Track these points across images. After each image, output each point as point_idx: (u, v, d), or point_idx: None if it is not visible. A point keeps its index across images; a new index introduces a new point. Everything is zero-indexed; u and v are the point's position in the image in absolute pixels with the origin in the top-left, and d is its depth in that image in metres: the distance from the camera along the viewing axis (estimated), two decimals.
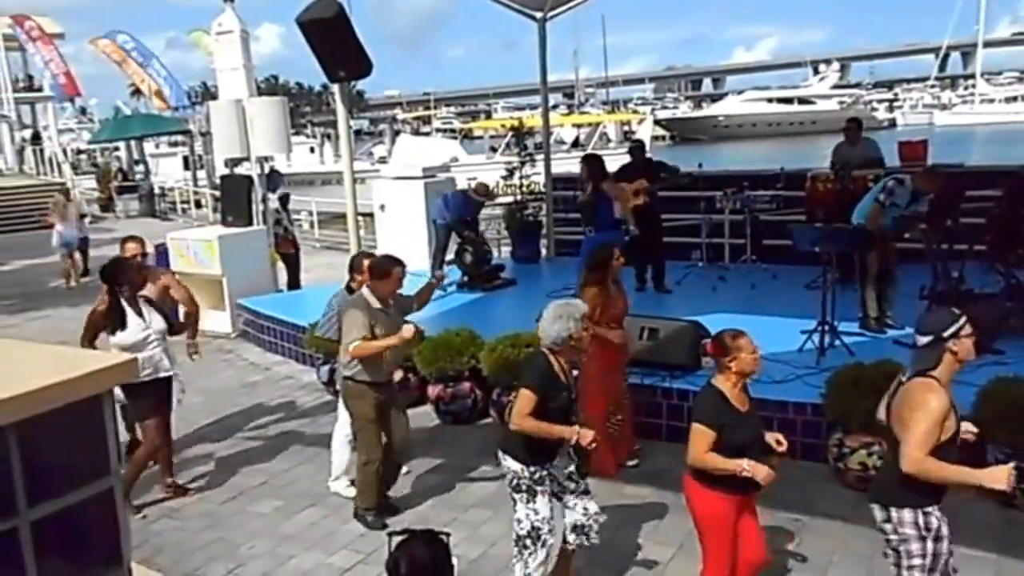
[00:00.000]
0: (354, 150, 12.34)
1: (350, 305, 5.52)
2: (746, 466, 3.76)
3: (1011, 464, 3.46)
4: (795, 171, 10.93)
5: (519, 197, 13.27)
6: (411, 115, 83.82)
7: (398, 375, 5.86)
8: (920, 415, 3.41)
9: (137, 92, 30.39)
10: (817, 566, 4.93)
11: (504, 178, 14.21)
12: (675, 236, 11.15)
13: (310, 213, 20.99)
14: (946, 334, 3.50)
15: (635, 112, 58.27)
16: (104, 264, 6.17)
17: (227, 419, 7.81)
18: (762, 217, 10.59)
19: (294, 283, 11.83)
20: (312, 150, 38.19)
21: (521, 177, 13.24)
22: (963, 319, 3.54)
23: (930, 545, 3.54)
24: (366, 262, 6.07)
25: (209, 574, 5.17)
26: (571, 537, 4.48)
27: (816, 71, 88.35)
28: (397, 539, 2.83)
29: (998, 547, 4.95)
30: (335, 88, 9.25)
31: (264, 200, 11.30)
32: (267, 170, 11.63)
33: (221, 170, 12.05)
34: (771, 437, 4.06)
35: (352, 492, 5.92)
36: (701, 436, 3.86)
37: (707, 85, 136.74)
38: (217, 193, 15.34)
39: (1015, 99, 75.90)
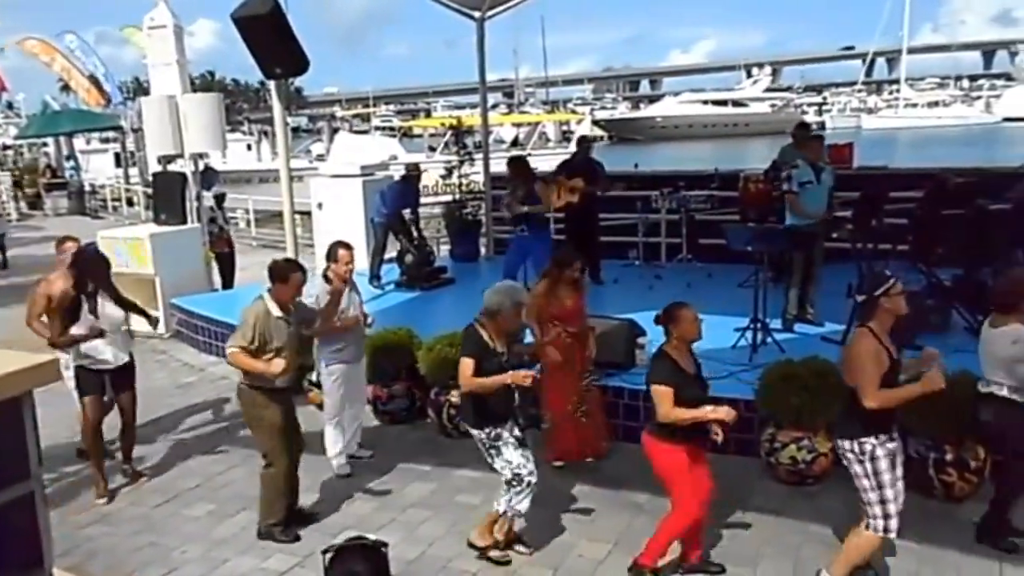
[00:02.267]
0: (292, 148, 12.21)
1: (249, 308, 5.37)
2: (709, 410, 4.45)
3: (935, 369, 4.30)
4: (729, 172, 11.17)
5: (458, 196, 13.27)
6: (350, 113, 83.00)
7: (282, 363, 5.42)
8: (860, 361, 4.27)
9: (67, 87, 29.44)
10: (748, 558, 5.05)
11: (443, 177, 14.21)
12: (612, 235, 11.30)
13: (246, 211, 20.66)
14: (877, 292, 4.34)
15: (574, 112, 58.72)
16: (76, 254, 6.34)
17: (160, 421, 7.66)
18: (697, 217, 10.79)
19: (229, 282, 11.64)
20: (249, 147, 37.53)
21: (460, 176, 13.25)
22: (893, 280, 4.36)
23: (868, 466, 4.34)
24: (341, 250, 6.12)
25: None
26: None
27: (749, 74, 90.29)
28: (338, 556, 2.70)
29: (919, 536, 5.14)
30: (272, 85, 9.14)
31: (198, 198, 11.09)
32: (202, 167, 11.42)
33: (154, 167, 11.78)
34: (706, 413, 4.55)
35: (347, 470, 6.35)
36: (663, 395, 4.49)
37: (645, 86, 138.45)
38: (150, 191, 15.00)
39: (936, 104, 78.72)
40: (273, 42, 8.20)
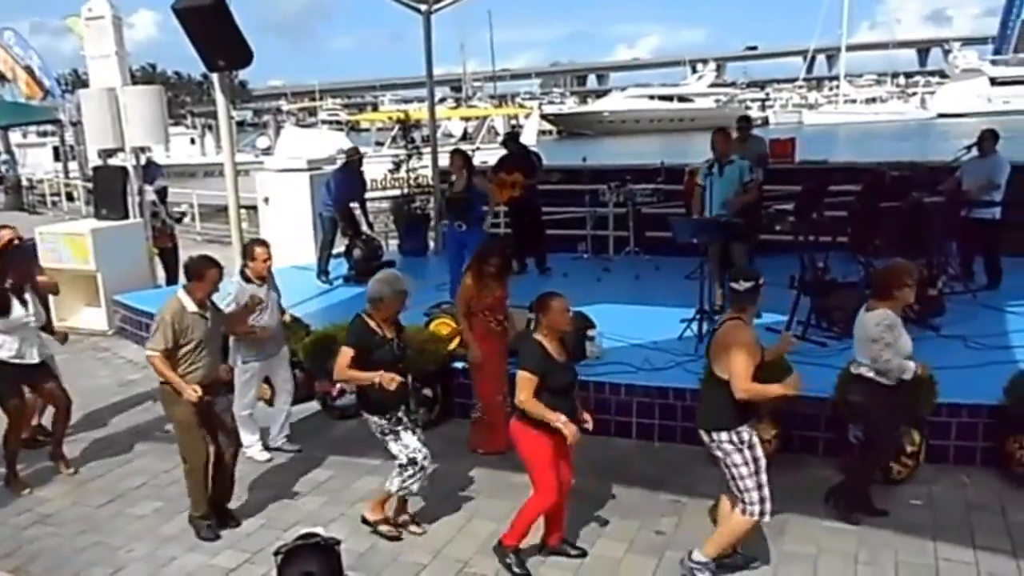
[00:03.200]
0: (237, 141, 12.04)
1: (164, 306, 5.34)
2: (562, 422, 4.56)
3: (795, 373, 4.63)
4: (674, 166, 11.33)
5: (406, 190, 13.23)
6: (296, 106, 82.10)
7: (196, 393, 5.33)
8: (737, 351, 4.37)
9: (2, 78, 28.52)
10: (693, 541, 5.12)
11: (391, 171, 14.14)
12: (561, 229, 11.39)
13: (191, 206, 20.32)
14: (760, 282, 4.54)
15: (522, 106, 58.73)
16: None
17: (104, 420, 7.52)
18: (644, 210, 10.92)
19: (173, 278, 11.44)
20: (193, 141, 36.89)
21: (408, 170, 13.21)
22: (762, 278, 4.56)
23: (747, 453, 4.48)
24: (258, 248, 6.18)
25: None
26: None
27: (694, 70, 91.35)
28: (290, 556, 2.63)
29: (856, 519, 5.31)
30: (215, 78, 9.01)
31: (140, 192, 10.88)
32: (143, 161, 11.21)
33: (94, 161, 11.52)
34: (582, 414, 4.81)
35: (265, 456, 6.45)
36: (526, 381, 4.62)
37: (592, 81, 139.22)
38: (90, 185, 14.67)
39: (874, 100, 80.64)
40: (216, 34, 8.10)
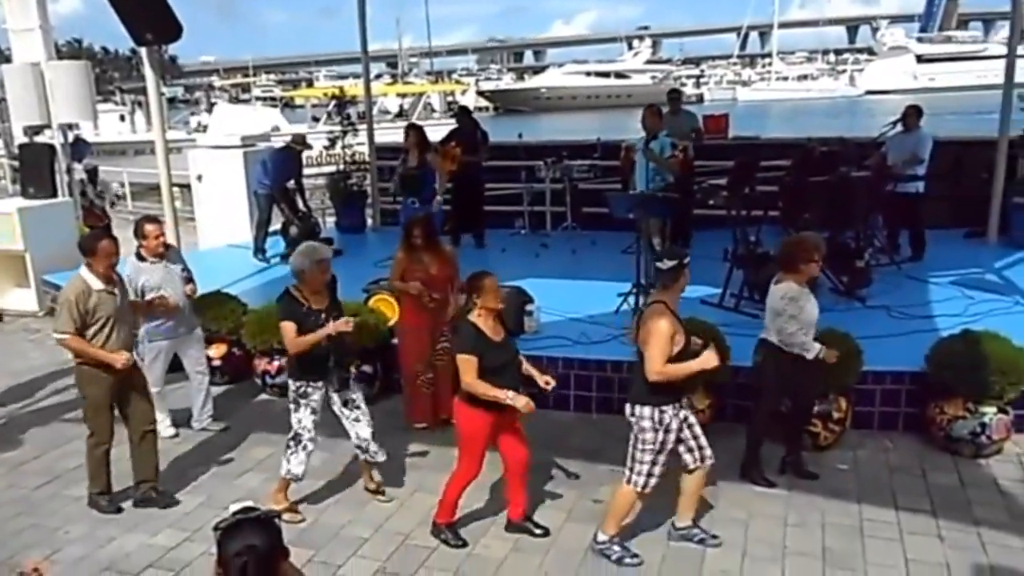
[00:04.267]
0: (168, 118, 11.78)
1: (67, 286, 5.26)
2: (510, 396, 4.56)
3: (711, 347, 4.59)
4: (610, 141, 11.43)
5: (342, 167, 13.10)
6: (229, 82, 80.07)
7: (124, 356, 5.35)
8: (654, 338, 4.41)
9: None
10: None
11: (327, 147, 13.97)
12: (499, 205, 11.43)
13: (122, 184, 19.79)
14: (685, 261, 4.54)
15: (459, 82, 58.40)
16: None
17: (37, 401, 7.38)
18: (581, 186, 11.02)
19: None
20: (123, 118, 35.85)
21: (344, 147, 13.06)
22: (686, 258, 4.58)
23: (660, 435, 4.55)
24: (148, 226, 6.08)
25: (24, 562, 4.91)
26: (359, 453, 5.40)
27: (631, 46, 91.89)
28: (230, 531, 2.59)
29: (787, 483, 5.52)
30: (144, 52, 8.79)
31: (69, 171, 10.59)
32: (71, 139, 10.90)
33: (20, 139, 11.16)
34: (541, 379, 4.87)
35: (171, 431, 6.47)
36: (466, 364, 4.62)
37: (529, 57, 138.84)
38: (16, 163, 14.21)
39: (806, 77, 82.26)
40: (142, 6, 7.91)
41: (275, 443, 6.39)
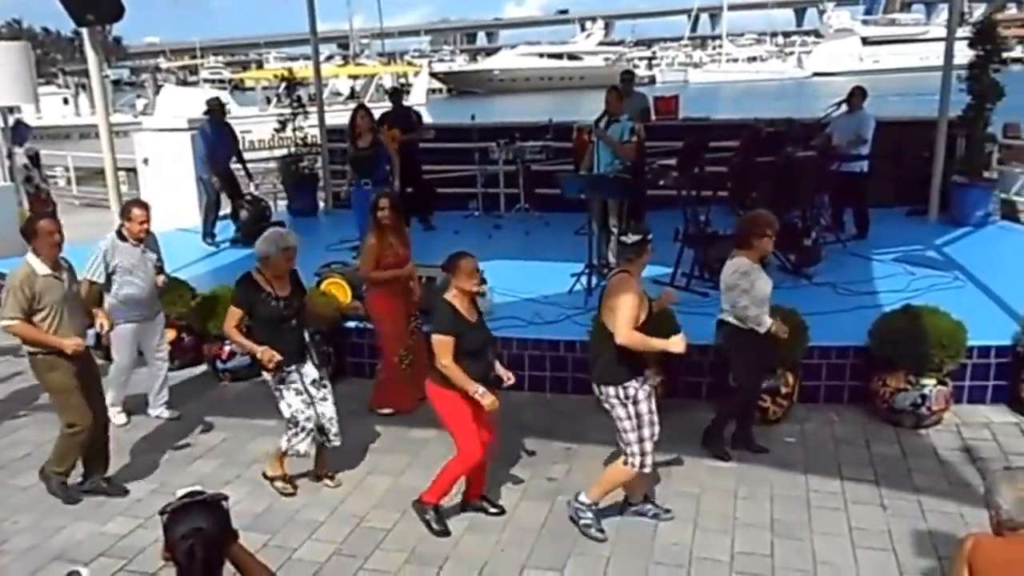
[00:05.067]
0: (113, 101, 11.52)
1: (13, 272, 5.16)
2: (479, 393, 4.59)
3: (680, 333, 4.72)
4: (563, 123, 11.46)
5: (293, 150, 12.95)
6: (176, 64, 78.63)
7: (75, 341, 5.22)
8: (622, 303, 4.49)
9: None
10: (583, 487, 5.36)
11: (277, 130, 13.78)
12: (452, 187, 11.41)
13: (66, 169, 19.33)
14: (650, 237, 4.68)
15: (411, 64, 57.87)
16: None
17: None
18: (534, 167, 11.04)
19: None
20: (66, 101, 34.99)
21: (295, 129, 12.90)
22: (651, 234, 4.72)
23: (630, 408, 4.61)
24: (136, 210, 6.06)
25: None
26: (316, 436, 5.32)
27: (583, 28, 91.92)
28: (176, 514, 2.56)
29: (737, 457, 5.64)
30: (86, 33, 8.57)
31: (10, 155, 10.32)
32: (12, 122, 10.61)
33: None
34: (502, 372, 4.88)
35: (123, 419, 6.40)
36: (442, 344, 4.60)
37: (482, 39, 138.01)
38: None
39: (755, 59, 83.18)
40: None
41: (228, 427, 6.37)
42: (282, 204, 13.12)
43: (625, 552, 4.69)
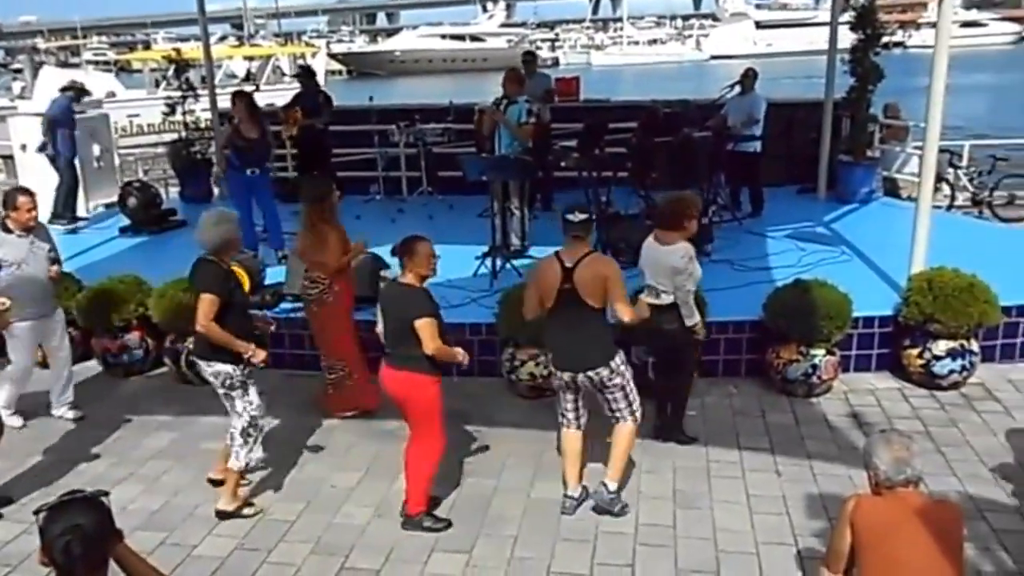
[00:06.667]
0: None
1: None
2: (461, 354, 4.66)
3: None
4: (464, 105, 11.38)
5: (184, 134, 12.49)
6: (55, 45, 74.58)
7: None
8: (616, 281, 4.56)
9: None
10: (493, 469, 5.40)
11: (166, 114, 13.26)
12: (352, 171, 11.20)
13: None
14: (595, 216, 4.71)
15: (309, 45, 56.52)
16: None
17: None
18: (435, 150, 10.93)
19: None
20: None
21: (185, 112, 12.43)
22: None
23: (626, 372, 4.71)
24: (21, 198, 5.73)
25: None
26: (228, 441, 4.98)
27: (485, 9, 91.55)
28: (53, 513, 2.40)
29: (643, 434, 5.70)
30: None
31: None
32: None
33: None
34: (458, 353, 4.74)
35: (17, 422, 6.04)
36: (431, 327, 4.51)
37: (381, 19, 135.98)
38: None
39: (655, 42, 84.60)
40: None
41: (121, 425, 6.13)
42: (173, 191, 12.65)
43: (532, 530, 4.72)
